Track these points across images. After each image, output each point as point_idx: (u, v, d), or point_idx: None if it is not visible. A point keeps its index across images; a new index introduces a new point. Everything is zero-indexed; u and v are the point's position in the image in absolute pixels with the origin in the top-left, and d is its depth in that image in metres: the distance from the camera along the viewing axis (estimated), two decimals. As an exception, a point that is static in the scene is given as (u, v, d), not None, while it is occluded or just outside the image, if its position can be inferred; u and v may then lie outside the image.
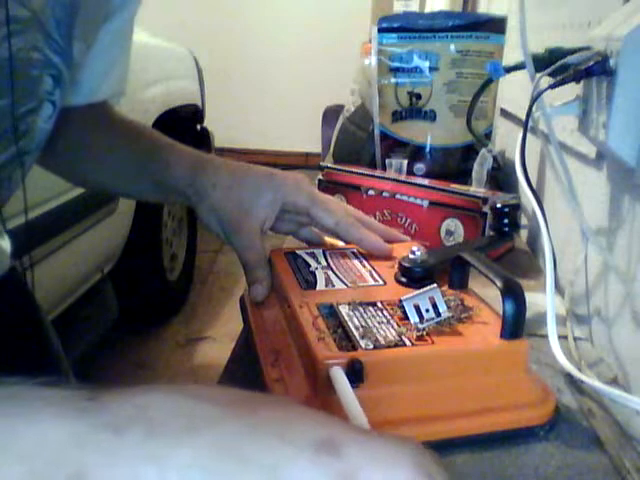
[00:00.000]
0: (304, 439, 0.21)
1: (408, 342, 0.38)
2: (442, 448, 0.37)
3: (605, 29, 0.46)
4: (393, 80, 0.88)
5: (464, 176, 0.82)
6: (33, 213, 1.16)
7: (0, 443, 0.20)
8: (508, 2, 1.00)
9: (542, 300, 0.48)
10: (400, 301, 0.40)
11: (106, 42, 0.52)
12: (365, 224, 0.53)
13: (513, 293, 0.39)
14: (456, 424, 0.38)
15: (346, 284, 0.46)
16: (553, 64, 0.49)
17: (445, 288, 0.45)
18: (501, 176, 0.86)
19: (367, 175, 0.75)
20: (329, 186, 0.76)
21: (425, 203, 0.66)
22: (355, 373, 0.35)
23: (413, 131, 0.89)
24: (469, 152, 0.87)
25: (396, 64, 0.88)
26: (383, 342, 0.38)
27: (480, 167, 0.79)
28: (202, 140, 2.33)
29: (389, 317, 0.41)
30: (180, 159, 0.53)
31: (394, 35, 0.87)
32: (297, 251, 0.52)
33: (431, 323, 0.39)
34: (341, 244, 0.54)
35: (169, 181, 0.53)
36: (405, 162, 0.83)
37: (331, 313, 0.41)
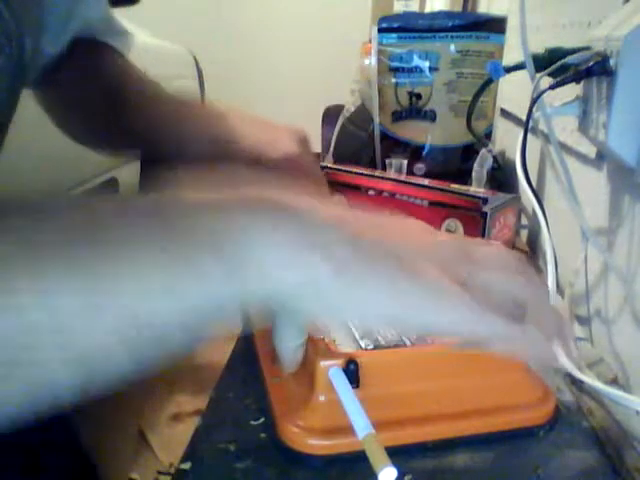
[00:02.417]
0: None
1: (408, 342, 0.38)
2: (442, 448, 0.38)
3: (605, 29, 0.46)
4: (393, 80, 0.88)
5: (464, 176, 0.82)
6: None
7: None
8: (508, 2, 1.00)
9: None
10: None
11: None
12: None
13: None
14: (456, 424, 0.38)
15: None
16: (553, 64, 0.49)
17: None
18: (501, 176, 0.86)
19: (367, 175, 0.75)
20: (329, 186, 0.76)
21: (425, 203, 0.66)
22: (350, 374, 0.35)
23: (413, 131, 0.89)
24: (469, 152, 0.87)
25: (396, 64, 0.88)
26: (383, 342, 0.38)
27: (480, 167, 0.79)
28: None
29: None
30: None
31: (394, 35, 0.87)
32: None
33: (431, 323, 0.39)
34: None
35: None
36: (405, 162, 0.83)
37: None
